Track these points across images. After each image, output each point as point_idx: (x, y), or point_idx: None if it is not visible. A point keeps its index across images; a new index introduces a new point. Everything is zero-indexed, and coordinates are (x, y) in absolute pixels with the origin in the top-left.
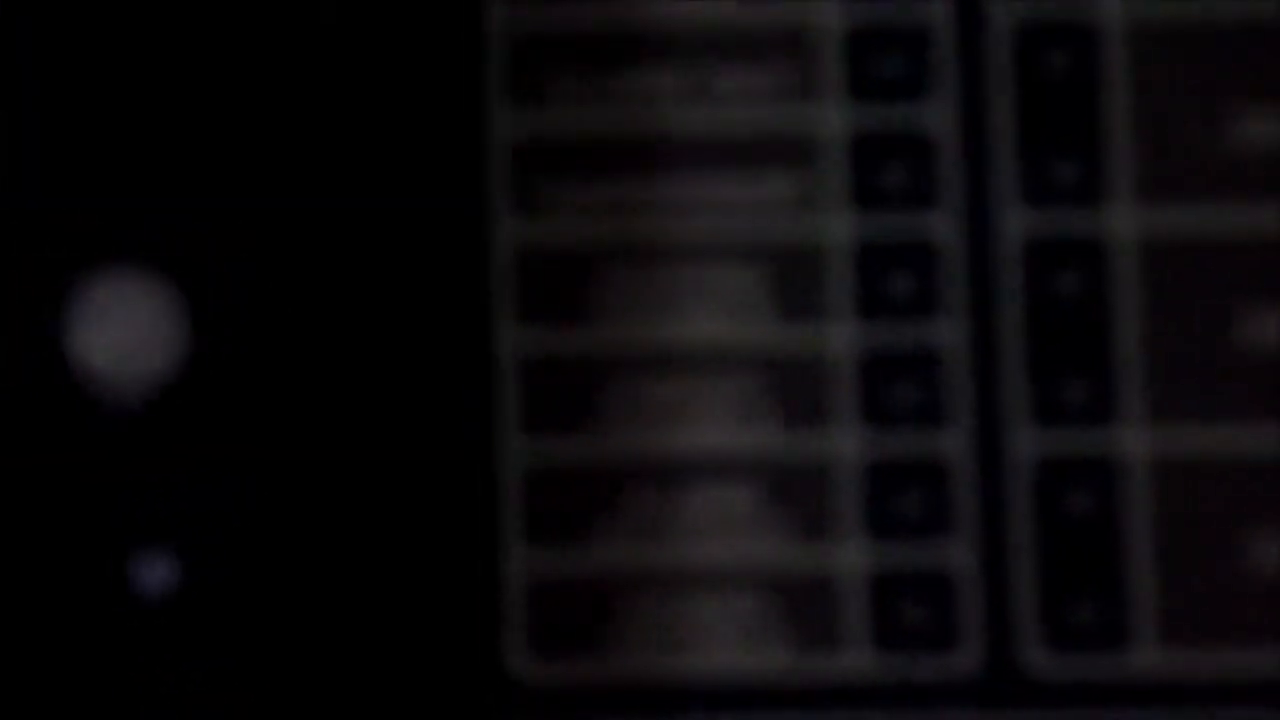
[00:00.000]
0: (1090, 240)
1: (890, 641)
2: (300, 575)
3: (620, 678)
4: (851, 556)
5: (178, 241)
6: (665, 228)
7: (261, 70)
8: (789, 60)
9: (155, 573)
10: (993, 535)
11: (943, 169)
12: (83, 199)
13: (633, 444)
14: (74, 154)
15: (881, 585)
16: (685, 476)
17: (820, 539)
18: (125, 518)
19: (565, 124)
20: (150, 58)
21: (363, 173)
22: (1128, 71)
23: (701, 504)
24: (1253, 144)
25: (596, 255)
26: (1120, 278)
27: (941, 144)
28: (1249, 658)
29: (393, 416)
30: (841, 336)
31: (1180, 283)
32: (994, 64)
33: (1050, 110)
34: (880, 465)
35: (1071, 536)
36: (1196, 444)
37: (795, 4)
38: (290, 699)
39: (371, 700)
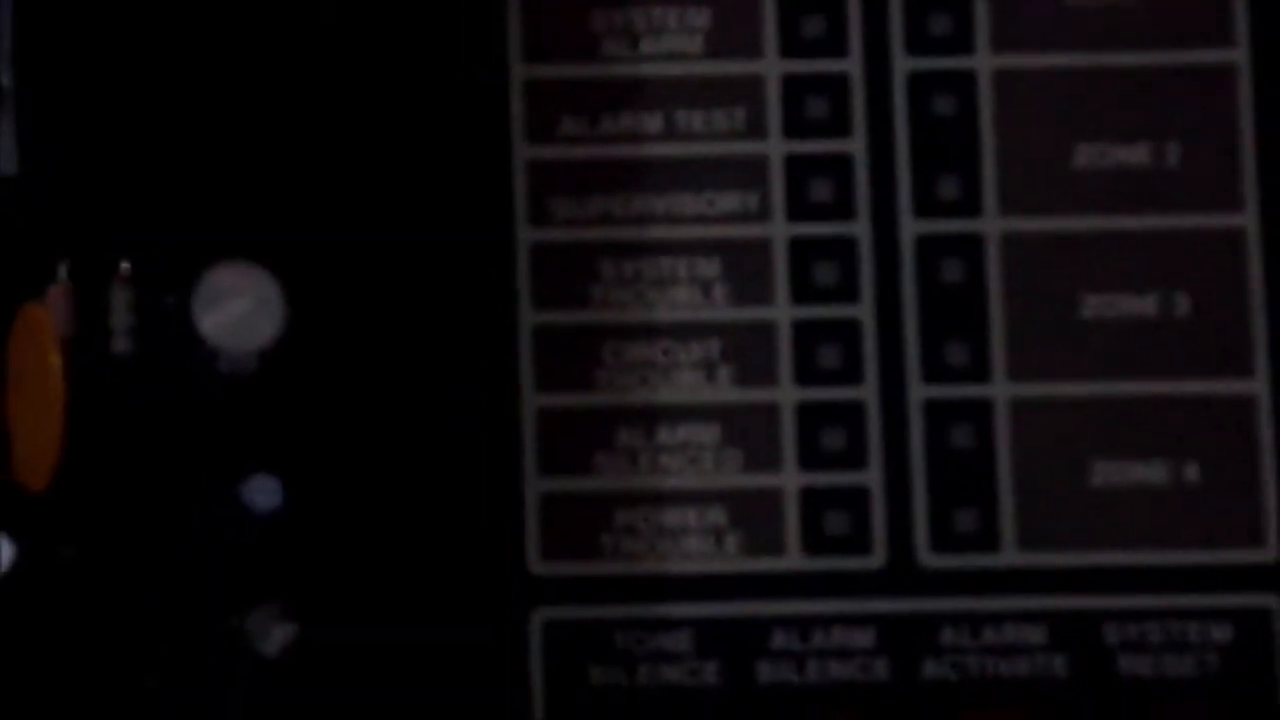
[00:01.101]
0: (968, 239)
1: (818, 545)
2: (372, 497)
3: (613, 573)
4: (789, 480)
5: (280, 242)
6: (647, 232)
7: (341, 126)
8: (740, 104)
9: (263, 494)
10: (896, 463)
11: (857, 186)
12: (206, 210)
13: (622, 395)
14: (200, 174)
15: (811, 502)
16: (663, 420)
17: (765, 467)
18: (239, 453)
19: (571, 154)
20: (271, 115)
21: (415, 195)
22: (996, 110)
23: (675, 441)
24: (1092, 166)
25: (594, 252)
26: (991, 268)
27: (856, 166)
28: (1090, 556)
29: (439, 377)
30: (781, 312)
31: (1036, 271)
32: (896, 105)
33: (937, 140)
34: (810, 410)
35: (955, 464)
36: (1050, 392)
37: (744, 61)
38: (362, 592)
39: (424, 592)
